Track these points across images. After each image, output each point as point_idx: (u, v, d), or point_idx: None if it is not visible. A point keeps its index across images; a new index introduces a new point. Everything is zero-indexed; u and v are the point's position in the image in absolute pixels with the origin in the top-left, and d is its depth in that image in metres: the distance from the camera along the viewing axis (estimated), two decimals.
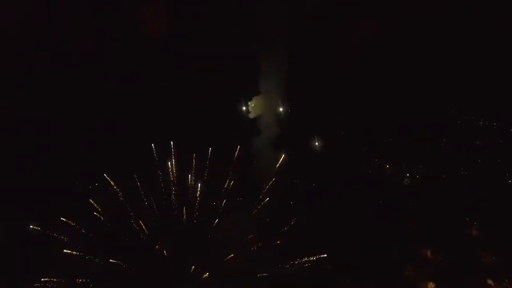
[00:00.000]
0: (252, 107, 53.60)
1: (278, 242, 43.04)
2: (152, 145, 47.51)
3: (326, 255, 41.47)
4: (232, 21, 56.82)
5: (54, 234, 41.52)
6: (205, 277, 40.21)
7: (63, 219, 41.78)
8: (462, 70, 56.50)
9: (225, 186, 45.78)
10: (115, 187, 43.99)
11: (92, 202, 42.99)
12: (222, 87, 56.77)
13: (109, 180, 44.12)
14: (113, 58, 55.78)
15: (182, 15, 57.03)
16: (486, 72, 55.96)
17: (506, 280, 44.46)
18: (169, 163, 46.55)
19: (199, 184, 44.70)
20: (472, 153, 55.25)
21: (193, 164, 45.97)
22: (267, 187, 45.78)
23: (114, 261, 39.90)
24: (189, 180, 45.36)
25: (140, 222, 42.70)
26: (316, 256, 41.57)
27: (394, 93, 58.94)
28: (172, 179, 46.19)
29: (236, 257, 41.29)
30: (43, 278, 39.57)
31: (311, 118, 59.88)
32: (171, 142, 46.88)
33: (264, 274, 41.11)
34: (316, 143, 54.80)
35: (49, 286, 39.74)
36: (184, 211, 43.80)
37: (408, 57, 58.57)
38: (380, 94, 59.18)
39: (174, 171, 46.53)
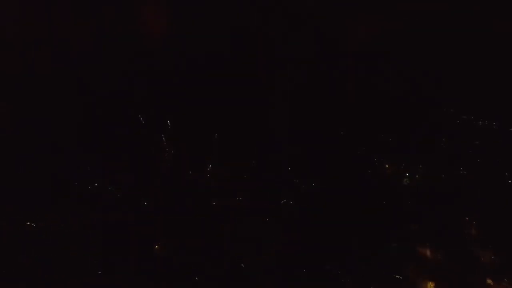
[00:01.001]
0: None
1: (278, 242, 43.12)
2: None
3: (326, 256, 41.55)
4: (232, 21, 56.91)
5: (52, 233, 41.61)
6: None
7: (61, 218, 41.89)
8: (462, 70, 56.50)
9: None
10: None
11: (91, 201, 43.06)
12: (222, 87, 56.80)
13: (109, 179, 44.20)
14: (113, 58, 55.74)
15: (182, 15, 57.07)
16: (485, 72, 55.94)
17: (506, 280, 44.46)
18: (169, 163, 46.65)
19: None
20: (472, 153, 55.20)
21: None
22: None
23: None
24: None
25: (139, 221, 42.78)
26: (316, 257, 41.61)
27: (393, 92, 58.95)
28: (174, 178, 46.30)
29: (237, 257, 41.33)
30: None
31: (311, 118, 59.80)
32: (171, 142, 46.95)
33: (264, 273, 41.15)
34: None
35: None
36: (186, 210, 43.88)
37: (408, 57, 58.59)
38: (380, 93, 59.17)
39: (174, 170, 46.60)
